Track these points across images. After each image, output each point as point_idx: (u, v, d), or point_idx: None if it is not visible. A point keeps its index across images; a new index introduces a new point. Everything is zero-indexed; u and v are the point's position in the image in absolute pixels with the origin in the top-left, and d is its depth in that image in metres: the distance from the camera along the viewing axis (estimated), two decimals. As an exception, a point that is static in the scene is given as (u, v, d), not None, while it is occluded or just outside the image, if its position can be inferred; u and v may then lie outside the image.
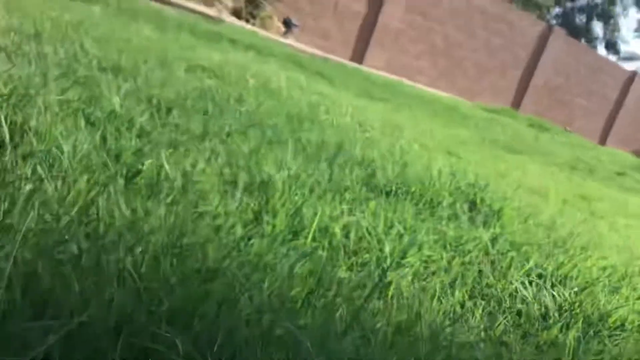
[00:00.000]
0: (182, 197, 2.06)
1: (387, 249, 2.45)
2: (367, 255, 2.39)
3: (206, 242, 1.61)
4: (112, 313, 1.04)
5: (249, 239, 1.94)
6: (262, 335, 1.32)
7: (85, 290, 1.11)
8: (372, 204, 2.86)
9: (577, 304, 2.57)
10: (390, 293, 2.12)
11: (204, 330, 1.20)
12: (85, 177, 1.82)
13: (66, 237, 1.33)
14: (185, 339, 1.09)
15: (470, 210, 3.27)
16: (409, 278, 2.31)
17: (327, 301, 1.83)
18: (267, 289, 1.60)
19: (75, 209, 1.57)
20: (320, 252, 2.24)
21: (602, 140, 22.46)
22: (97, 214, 1.55)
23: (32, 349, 0.88)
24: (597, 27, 36.66)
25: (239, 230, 1.93)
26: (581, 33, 33.70)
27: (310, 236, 2.30)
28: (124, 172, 2.08)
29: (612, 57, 34.50)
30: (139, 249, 1.39)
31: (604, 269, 3.20)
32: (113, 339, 1.01)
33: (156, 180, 2.17)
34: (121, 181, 1.97)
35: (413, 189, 3.35)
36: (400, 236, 2.60)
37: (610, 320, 2.52)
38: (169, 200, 1.98)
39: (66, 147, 1.99)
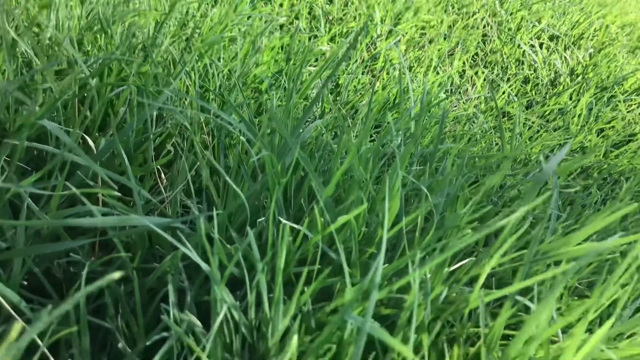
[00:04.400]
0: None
1: (377, 15, 2.08)
2: (353, 24, 2.03)
3: (143, 14, 1.26)
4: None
5: (203, 12, 1.57)
6: (209, 123, 1.06)
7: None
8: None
9: (590, 67, 2.28)
10: (378, 65, 1.82)
11: (124, 123, 0.93)
12: None
13: None
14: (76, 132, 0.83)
15: (477, -37, 2.78)
16: (402, 48, 1.98)
17: (296, 80, 1.54)
18: (224, 65, 1.30)
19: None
20: (296, 21, 1.89)
21: None
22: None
23: None
24: None
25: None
26: None
27: (285, 2, 1.92)
28: None
29: None
30: None
31: (623, 27, 2.82)
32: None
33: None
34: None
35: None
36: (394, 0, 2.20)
37: (626, 84, 2.24)
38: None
39: None
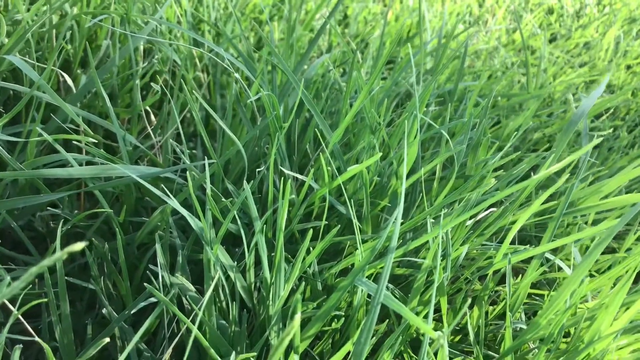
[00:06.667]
0: None
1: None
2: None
3: None
4: None
5: None
6: (202, 59, 0.95)
7: None
8: None
9: (620, -3, 2.11)
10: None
11: (107, 57, 0.83)
12: None
13: None
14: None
15: None
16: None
17: (302, 10, 1.42)
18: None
19: None
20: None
21: None
22: None
23: None
24: None
25: None
26: None
27: None
28: None
29: None
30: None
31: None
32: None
33: None
34: None
35: None
36: None
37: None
38: None
39: None
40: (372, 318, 0.45)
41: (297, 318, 0.38)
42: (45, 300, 0.54)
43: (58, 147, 0.61)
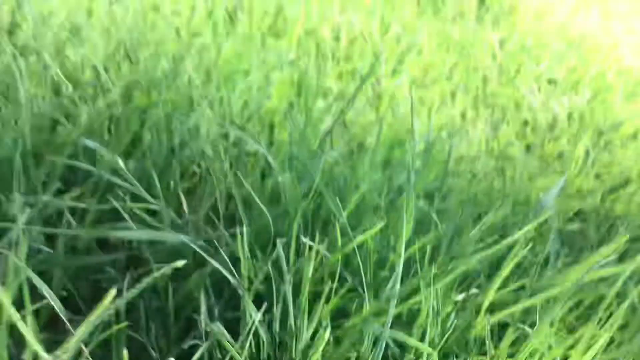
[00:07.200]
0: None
1: (382, 54, 2.17)
2: (359, 63, 2.12)
3: (163, 41, 1.33)
4: (29, 117, 0.82)
5: (220, 43, 1.65)
6: (227, 151, 1.12)
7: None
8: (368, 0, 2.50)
9: (588, 112, 2.36)
10: (383, 104, 1.90)
11: (154, 146, 0.99)
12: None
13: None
14: (118, 158, 0.89)
15: (479, 8, 2.90)
16: (406, 87, 2.06)
17: (309, 115, 1.61)
18: (239, 97, 1.37)
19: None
20: (304, 58, 1.97)
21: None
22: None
23: None
24: None
25: (207, 33, 1.64)
26: None
27: (294, 39, 2.01)
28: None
29: None
30: (73, 50, 1.13)
31: (620, 73, 2.93)
32: (31, 157, 0.81)
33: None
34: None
35: (415, -14, 2.94)
36: (399, 39, 2.30)
37: (623, 129, 2.33)
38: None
39: None
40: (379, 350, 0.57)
41: (323, 339, 0.50)
42: (111, 331, 0.66)
43: (124, 213, 0.75)
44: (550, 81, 2.51)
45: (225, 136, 1.16)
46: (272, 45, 1.88)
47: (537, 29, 2.91)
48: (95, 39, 1.26)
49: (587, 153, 2.05)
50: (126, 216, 0.76)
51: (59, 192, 0.84)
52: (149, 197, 0.87)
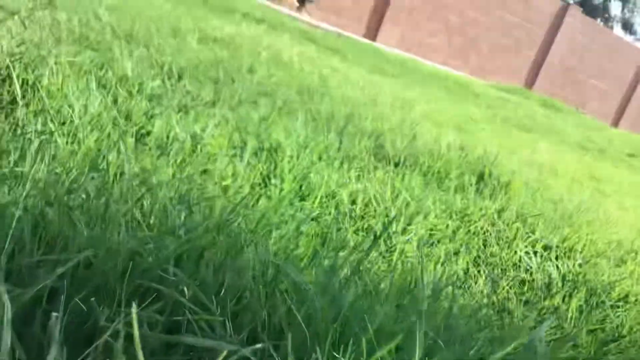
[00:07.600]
0: (190, 157, 2.09)
1: (393, 215, 2.46)
2: (373, 221, 2.41)
3: (214, 198, 1.63)
4: (119, 253, 1.07)
5: (257, 199, 1.96)
6: (266, 286, 1.35)
7: (93, 234, 1.14)
8: (380, 172, 2.87)
9: (581, 275, 2.58)
10: (394, 257, 2.15)
11: (209, 276, 1.23)
12: (95, 134, 1.84)
13: (75, 186, 1.36)
14: (192, 283, 1.12)
15: (478, 182, 3.27)
16: (414, 244, 2.32)
17: (333, 261, 1.86)
18: (273, 245, 1.63)
19: (85, 162, 1.60)
20: (326, 216, 2.26)
21: (615, 123, 22.08)
22: (107, 167, 1.58)
23: (40, 282, 0.91)
24: (615, 7, 35.93)
25: (246, 190, 1.95)
26: (598, 12, 32.87)
27: (317, 200, 2.32)
28: (134, 131, 2.10)
29: (629, 38, 33.57)
30: (147, 201, 1.42)
31: (610, 243, 3.20)
32: (120, 278, 1.04)
33: (166, 141, 2.19)
34: (131, 140, 1.99)
35: (422, 161, 3.35)
36: (407, 204, 2.62)
37: (614, 292, 2.53)
38: (178, 159, 2.01)
39: (77, 106, 2.02)
40: None
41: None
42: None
43: (194, 323, 0.97)
44: (545, 247, 2.76)
45: (264, 273, 1.40)
46: (299, 205, 2.19)
47: (531, 201, 3.25)
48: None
49: (580, 311, 2.23)
50: (195, 327, 0.97)
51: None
52: (209, 315, 1.09)
